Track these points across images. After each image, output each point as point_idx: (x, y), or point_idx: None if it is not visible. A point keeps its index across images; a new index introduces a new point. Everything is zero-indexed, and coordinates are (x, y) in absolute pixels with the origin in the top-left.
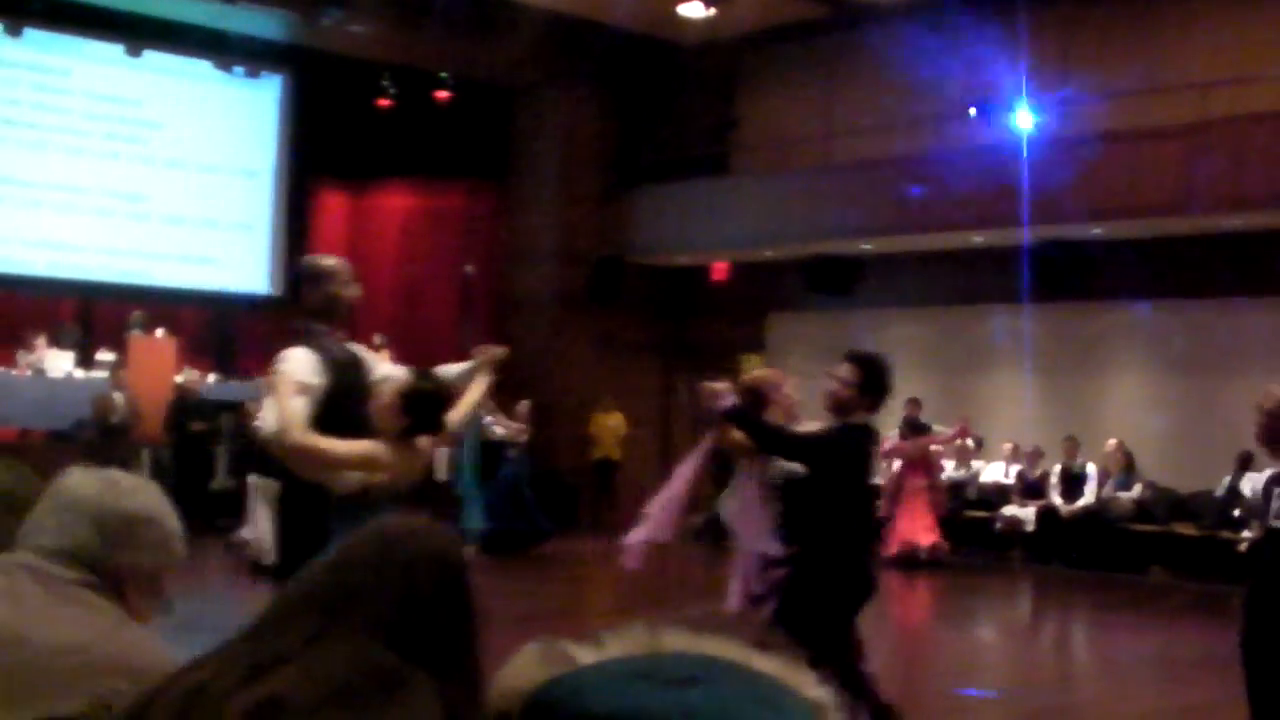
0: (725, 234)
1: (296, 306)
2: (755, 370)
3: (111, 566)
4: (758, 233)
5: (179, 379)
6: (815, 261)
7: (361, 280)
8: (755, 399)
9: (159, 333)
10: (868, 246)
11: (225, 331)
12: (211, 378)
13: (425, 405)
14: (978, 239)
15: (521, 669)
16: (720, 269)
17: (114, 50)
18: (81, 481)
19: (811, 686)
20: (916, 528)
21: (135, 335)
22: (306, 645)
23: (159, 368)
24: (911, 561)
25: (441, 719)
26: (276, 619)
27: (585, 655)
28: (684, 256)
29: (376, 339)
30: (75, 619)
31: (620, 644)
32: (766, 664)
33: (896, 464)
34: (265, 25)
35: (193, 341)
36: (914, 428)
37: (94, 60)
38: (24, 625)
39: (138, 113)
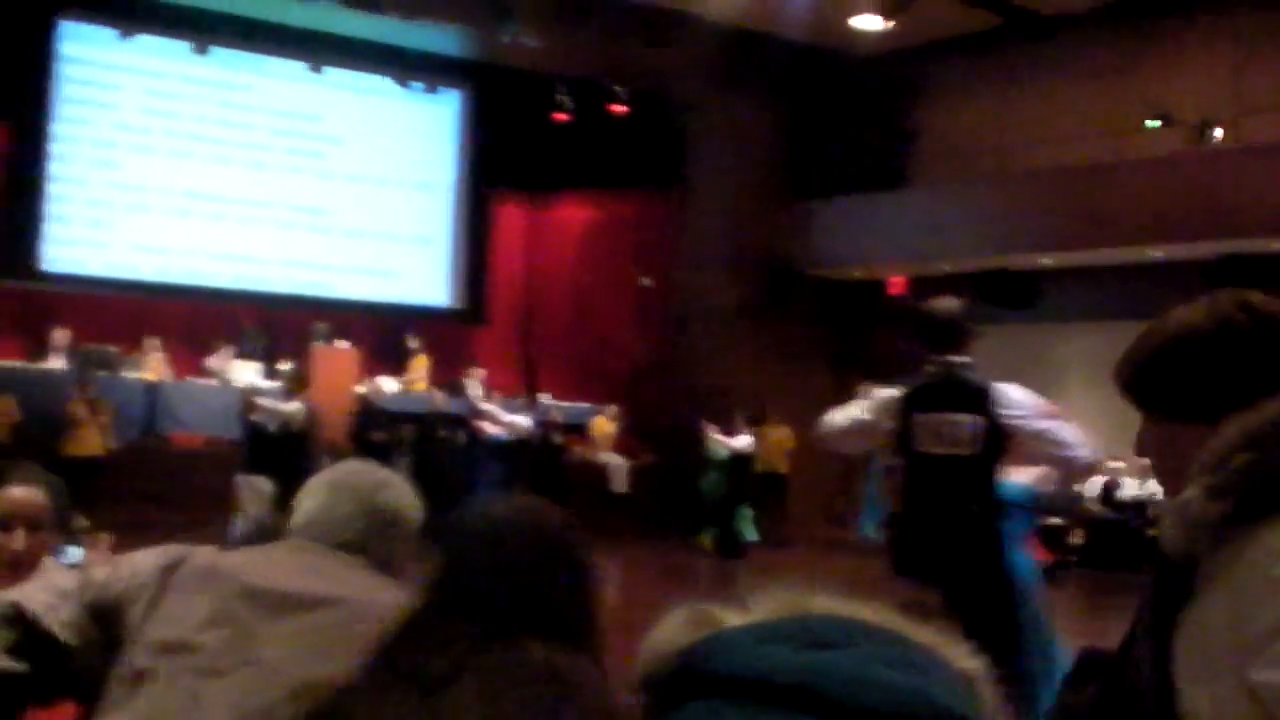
0: (901, 247)
1: (950, 347)
2: None
3: (377, 554)
4: (934, 246)
5: (360, 389)
6: (993, 275)
7: (539, 291)
8: None
9: (341, 344)
10: (1047, 260)
11: (405, 343)
12: (392, 388)
13: None
14: (1155, 252)
15: (668, 632)
16: (898, 283)
17: (296, 67)
18: (356, 473)
19: (965, 658)
20: None
21: (318, 346)
22: (474, 654)
23: (341, 378)
24: None
25: (609, 698)
26: (424, 631)
27: (732, 618)
28: (859, 269)
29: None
30: (378, 585)
31: (767, 607)
32: (919, 633)
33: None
34: (444, 41)
35: (373, 352)
36: None
37: (277, 77)
38: (336, 589)
39: (319, 128)
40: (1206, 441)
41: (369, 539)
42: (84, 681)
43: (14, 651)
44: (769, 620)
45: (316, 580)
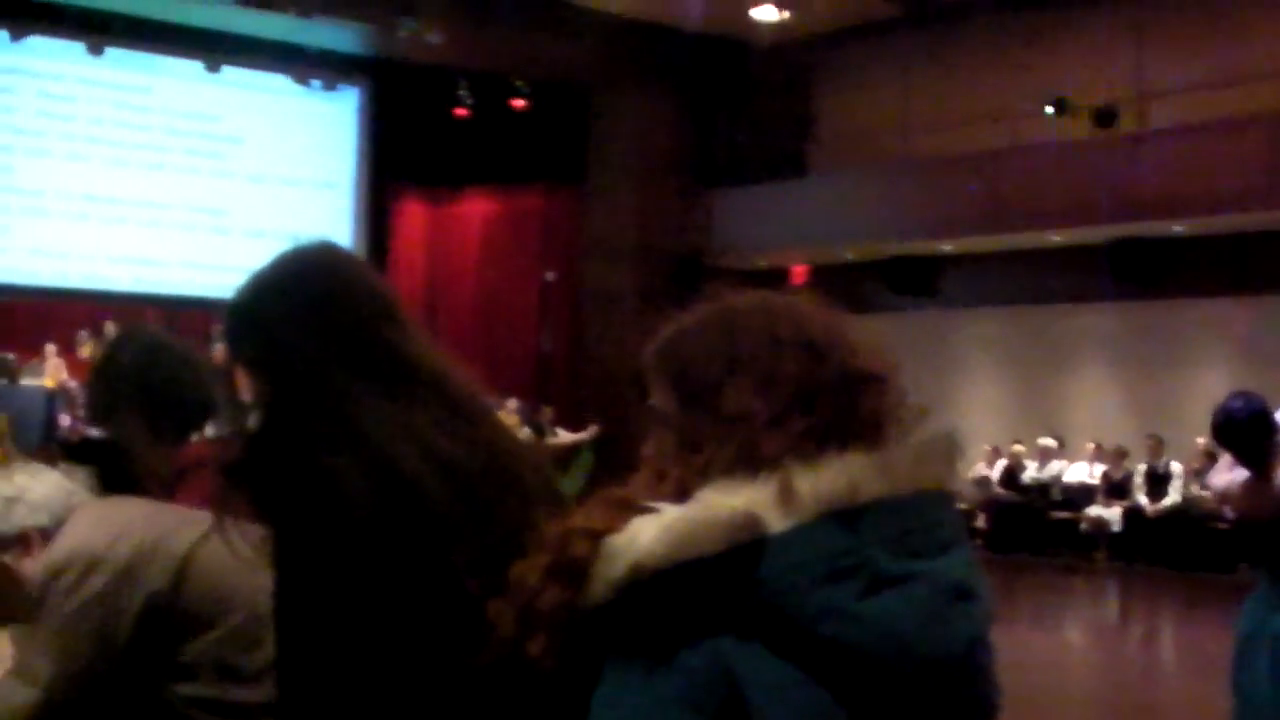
0: (803, 234)
1: None
2: None
3: None
4: (835, 233)
5: None
6: (894, 261)
7: (442, 287)
8: None
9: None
10: (947, 246)
11: None
12: None
13: None
14: (1055, 237)
15: (687, 528)
16: (800, 272)
17: (193, 67)
18: None
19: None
20: None
21: (220, 348)
22: None
23: None
24: None
25: None
26: None
27: (773, 517)
28: (762, 258)
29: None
30: None
31: (811, 493)
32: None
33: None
34: (341, 38)
35: None
36: None
37: (174, 77)
38: None
39: (217, 128)
40: None
41: None
42: None
43: None
44: (821, 529)
45: None
